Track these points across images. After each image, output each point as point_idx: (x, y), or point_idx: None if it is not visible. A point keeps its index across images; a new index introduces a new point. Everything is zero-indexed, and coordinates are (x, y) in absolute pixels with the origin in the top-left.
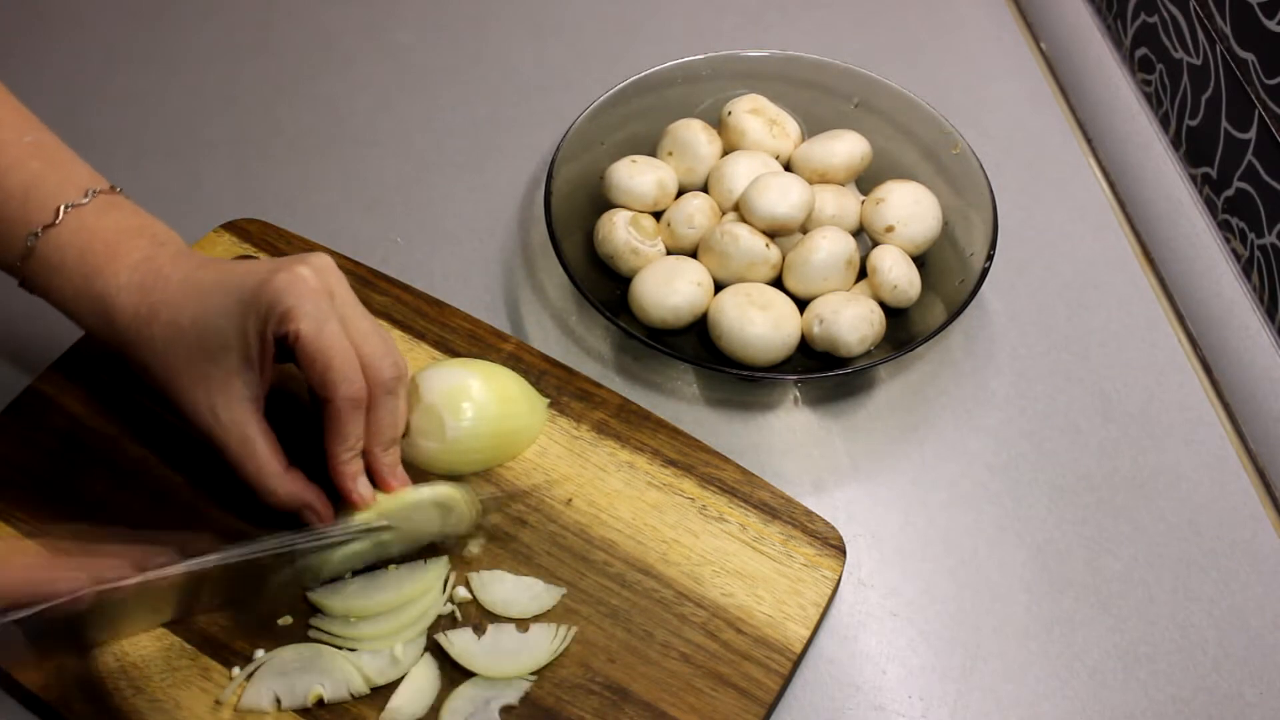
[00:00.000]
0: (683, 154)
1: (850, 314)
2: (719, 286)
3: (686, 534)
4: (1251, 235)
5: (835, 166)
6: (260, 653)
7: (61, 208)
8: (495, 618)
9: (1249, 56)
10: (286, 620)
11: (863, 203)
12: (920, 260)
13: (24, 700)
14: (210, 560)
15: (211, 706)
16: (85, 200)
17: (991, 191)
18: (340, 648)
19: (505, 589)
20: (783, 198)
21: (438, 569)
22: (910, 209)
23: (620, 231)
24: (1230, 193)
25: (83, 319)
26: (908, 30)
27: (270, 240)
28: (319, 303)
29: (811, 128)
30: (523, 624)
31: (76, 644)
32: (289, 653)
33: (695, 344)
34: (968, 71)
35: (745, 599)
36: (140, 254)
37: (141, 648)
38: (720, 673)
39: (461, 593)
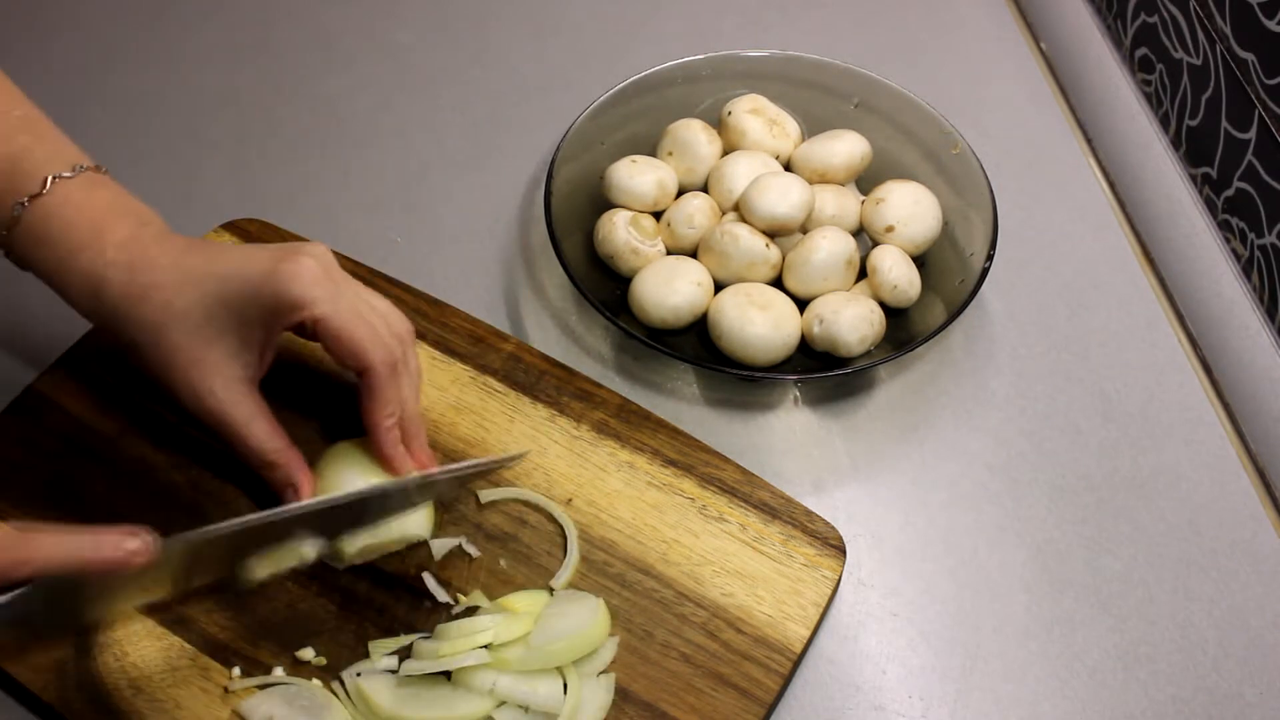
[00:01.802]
0: (683, 154)
1: (850, 314)
2: (719, 286)
3: (686, 534)
4: (1251, 235)
5: (835, 166)
6: (280, 670)
7: (49, 178)
8: None
9: (1249, 56)
10: (320, 661)
11: (863, 203)
12: (920, 260)
13: (24, 700)
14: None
15: (210, 705)
16: (72, 175)
17: (991, 191)
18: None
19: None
20: (783, 198)
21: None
22: (910, 209)
23: (620, 231)
24: (1230, 193)
25: (67, 292)
26: (908, 30)
27: (270, 241)
28: (327, 286)
29: (811, 128)
30: None
31: (62, 624)
32: (304, 690)
33: (695, 344)
34: (968, 71)
35: (745, 599)
36: (126, 232)
37: (141, 648)
38: (720, 673)
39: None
